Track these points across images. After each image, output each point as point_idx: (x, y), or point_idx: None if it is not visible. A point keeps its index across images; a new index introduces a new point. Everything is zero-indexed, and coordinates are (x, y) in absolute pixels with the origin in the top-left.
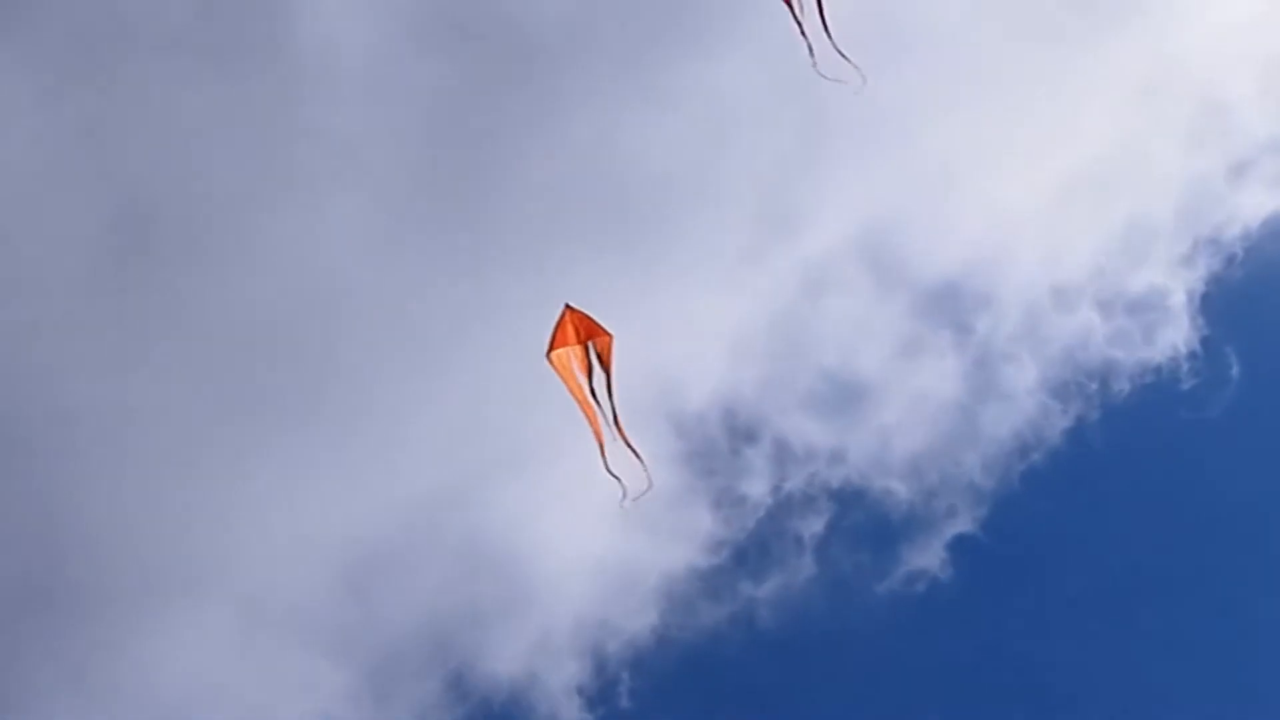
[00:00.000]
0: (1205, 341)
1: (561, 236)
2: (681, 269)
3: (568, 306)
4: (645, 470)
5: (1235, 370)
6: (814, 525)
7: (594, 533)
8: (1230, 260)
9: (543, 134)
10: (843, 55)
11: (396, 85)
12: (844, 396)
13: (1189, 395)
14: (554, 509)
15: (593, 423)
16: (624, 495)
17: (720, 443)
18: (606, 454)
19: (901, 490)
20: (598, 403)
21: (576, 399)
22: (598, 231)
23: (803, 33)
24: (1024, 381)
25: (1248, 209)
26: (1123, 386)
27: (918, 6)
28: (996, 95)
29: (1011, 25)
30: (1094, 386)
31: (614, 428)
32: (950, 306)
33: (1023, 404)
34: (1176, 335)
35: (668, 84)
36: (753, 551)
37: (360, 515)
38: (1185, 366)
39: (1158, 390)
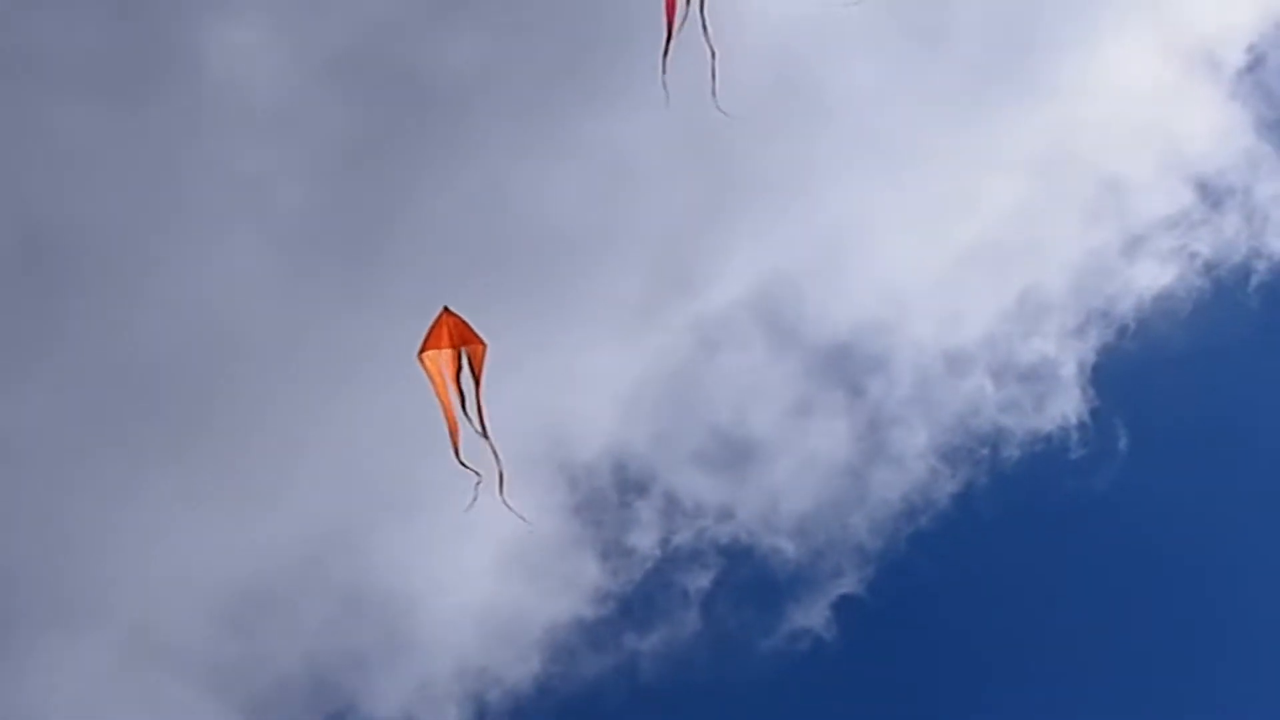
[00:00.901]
0: (1094, 413)
1: (456, 283)
2: (576, 321)
3: (445, 309)
4: (499, 466)
5: (1123, 442)
6: (700, 580)
7: (479, 580)
8: (1122, 333)
9: (442, 181)
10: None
11: (300, 126)
12: (735, 453)
13: (1076, 465)
14: (440, 554)
15: (450, 422)
16: (474, 498)
17: (610, 495)
18: (460, 447)
19: (789, 549)
20: (464, 408)
21: (441, 401)
22: (493, 280)
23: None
24: (914, 445)
25: (1141, 283)
26: (1012, 453)
27: (822, 70)
28: (898, 162)
29: (915, 95)
30: (984, 452)
31: (482, 435)
32: (843, 368)
33: (912, 467)
34: (1067, 405)
35: (568, 136)
36: (638, 604)
37: (244, 552)
38: (1075, 436)
39: (1047, 459)
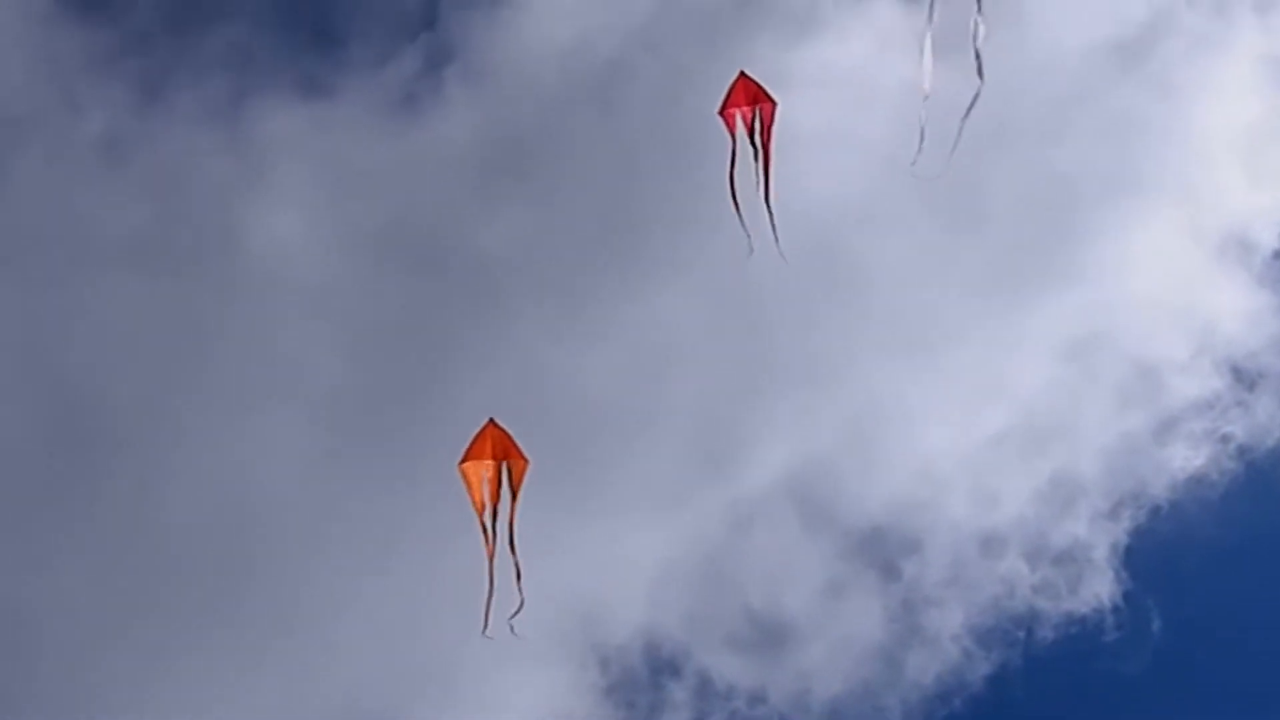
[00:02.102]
0: (1127, 595)
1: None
2: (610, 501)
3: (491, 421)
4: (519, 593)
5: (1156, 625)
6: None
7: None
8: (1154, 515)
9: (478, 360)
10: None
11: (337, 304)
12: (768, 635)
13: (1110, 647)
14: None
15: (487, 544)
16: (485, 625)
17: (642, 676)
18: (494, 559)
19: None
20: (494, 526)
21: (477, 513)
22: (528, 457)
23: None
24: (949, 626)
25: (1173, 465)
26: (1047, 635)
27: (857, 250)
28: (931, 344)
29: (951, 278)
30: (1019, 634)
31: (509, 550)
32: (877, 549)
33: (947, 649)
34: (1100, 587)
35: (604, 316)
36: None
37: None
38: (1109, 619)
39: (1081, 640)
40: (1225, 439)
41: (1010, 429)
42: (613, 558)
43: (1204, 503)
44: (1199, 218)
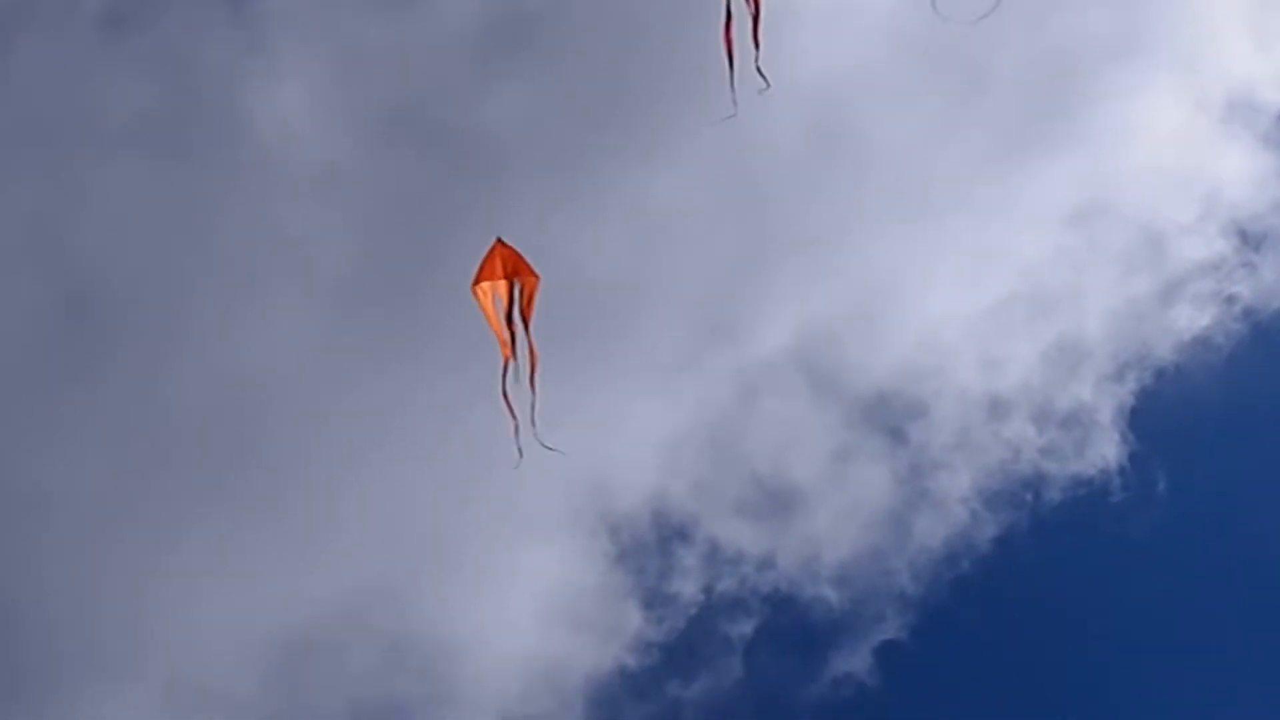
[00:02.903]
0: (1134, 456)
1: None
2: (617, 372)
3: (499, 240)
4: (534, 417)
5: (1162, 485)
6: (743, 627)
7: (522, 630)
8: (1159, 376)
9: (481, 236)
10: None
11: (340, 184)
12: (777, 501)
13: (1117, 508)
14: (482, 605)
15: (505, 352)
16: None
17: (652, 543)
18: (508, 380)
19: (831, 596)
20: (513, 338)
21: (494, 330)
22: (534, 332)
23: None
24: (956, 490)
25: (1178, 327)
26: (1054, 497)
27: (860, 120)
28: (936, 211)
29: (953, 147)
30: (1026, 497)
31: (527, 367)
32: (884, 415)
33: (954, 512)
34: (1107, 449)
35: (608, 189)
36: (681, 652)
37: (285, 603)
38: (1115, 480)
39: (1088, 503)
40: (1231, 300)
41: (1015, 295)
42: (620, 427)
43: (1209, 365)
44: (1203, 81)
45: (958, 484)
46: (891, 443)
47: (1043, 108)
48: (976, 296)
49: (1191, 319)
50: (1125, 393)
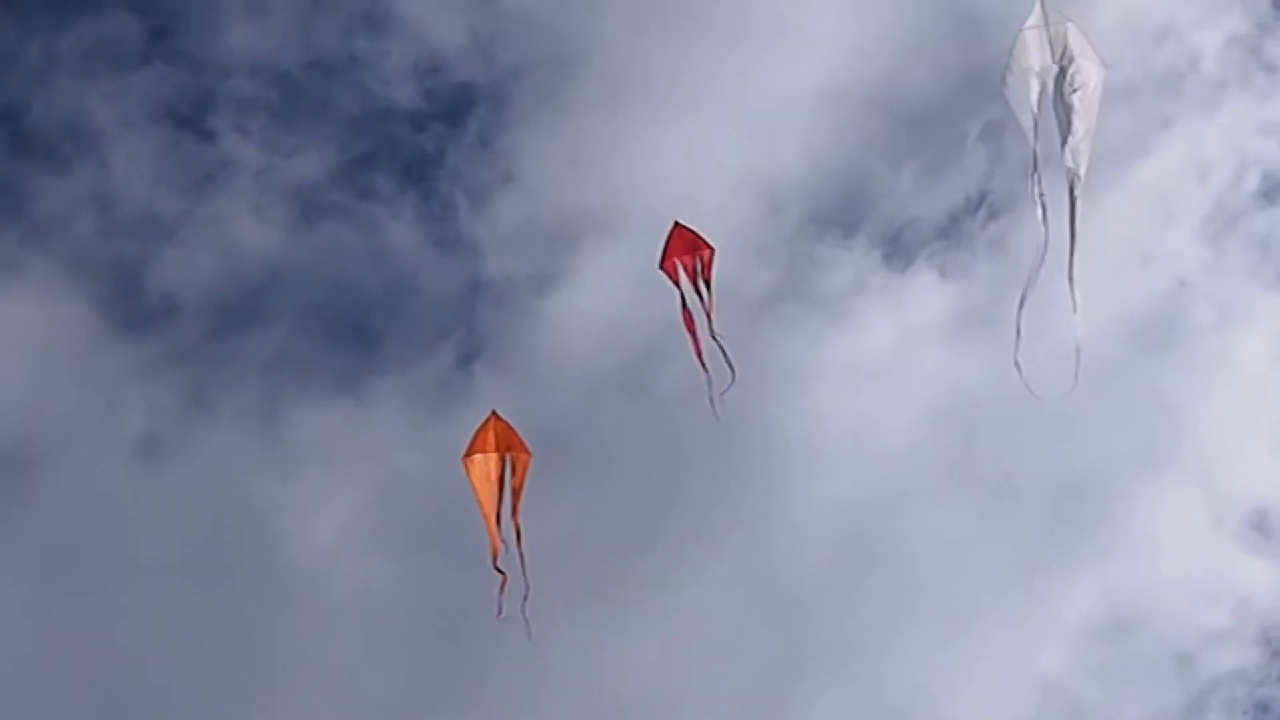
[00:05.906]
0: None
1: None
2: None
3: (493, 413)
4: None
5: None
6: None
7: None
8: None
9: (519, 659)
10: None
11: (383, 603)
12: None
13: None
14: None
15: (491, 531)
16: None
17: None
18: (498, 556)
19: None
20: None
21: (481, 505)
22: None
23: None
24: None
25: None
26: None
27: (886, 535)
28: (965, 624)
29: (981, 560)
30: None
31: (514, 541)
32: None
33: None
34: None
35: (638, 606)
36: None
37: None
38: None
39: None
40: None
41: (1041, 708)
42: None
43: None
44: (1226, 492)
45: None
46: None
47: (1067, 521)
48: (1005, 711)
49: None
50: None
